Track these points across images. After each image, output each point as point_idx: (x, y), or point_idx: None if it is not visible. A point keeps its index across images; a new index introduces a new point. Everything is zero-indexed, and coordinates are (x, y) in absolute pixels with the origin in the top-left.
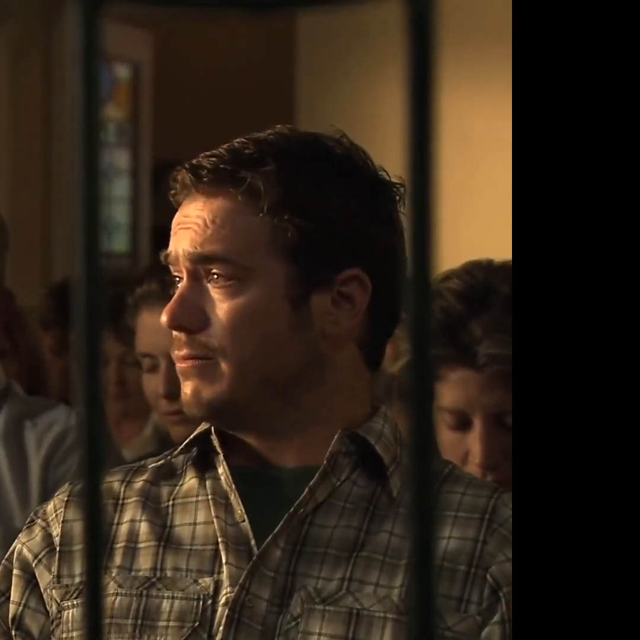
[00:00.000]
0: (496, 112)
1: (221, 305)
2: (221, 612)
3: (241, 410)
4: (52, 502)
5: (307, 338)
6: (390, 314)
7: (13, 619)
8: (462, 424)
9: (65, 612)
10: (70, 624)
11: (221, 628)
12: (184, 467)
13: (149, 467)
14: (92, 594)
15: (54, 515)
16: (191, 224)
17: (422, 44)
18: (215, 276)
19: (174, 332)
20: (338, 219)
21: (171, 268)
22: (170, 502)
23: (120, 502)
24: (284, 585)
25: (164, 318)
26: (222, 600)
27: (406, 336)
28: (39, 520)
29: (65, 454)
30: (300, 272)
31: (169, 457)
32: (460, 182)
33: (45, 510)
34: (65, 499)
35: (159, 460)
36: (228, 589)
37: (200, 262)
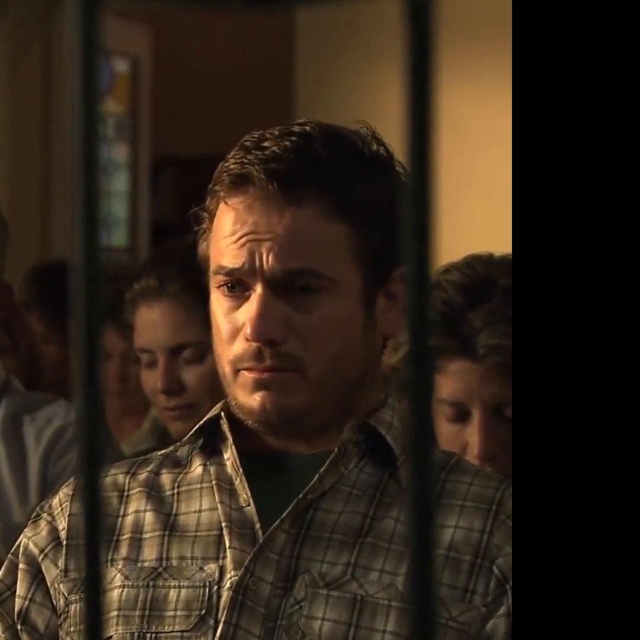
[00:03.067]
0: (496, 105)
1: (306, 317)
2: (226, 595)
3: (310, 417)
4: (57, 496)
5: (373, 341)
6: None
7: (18, 613)
8: (461, 415)
9: (73, 606)
10: (77, 618)
11: (225, 610)
12: (190, 457)
13: (154, 457)
14: (92, 588)
15: (59, 509)
16: (270, 235)
17: (421, 38)
18: (300, 288)
19: (251, 343)
20: (388, 218)
21: (223, 278)
22: (175, 490)
23: (125, 493)
24: (288, 568)
25: (251, 332)
26: (227, 584)
27: (405, 328)
28: (45, 515)
29: (64, 449)
30: (369, 277)
31: (174, 447)
32: (460, 176)
33: (50, 504)
34: (71, 492)
35: (165, 452)
36: (232, 573)
37: (289, 276)
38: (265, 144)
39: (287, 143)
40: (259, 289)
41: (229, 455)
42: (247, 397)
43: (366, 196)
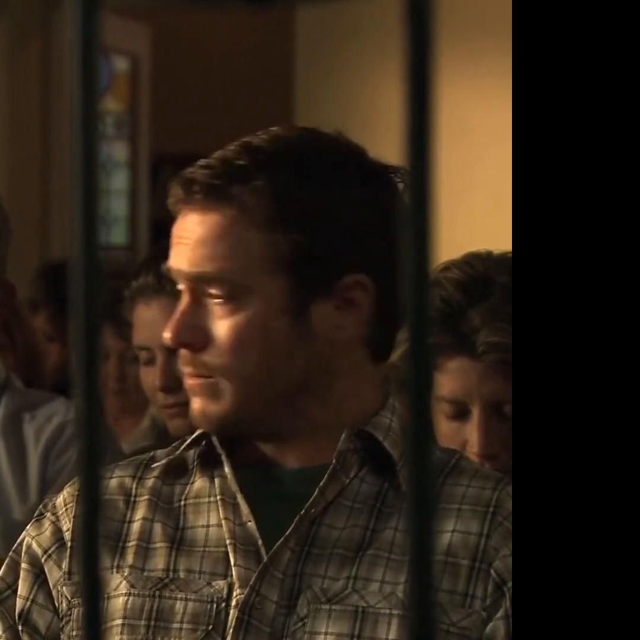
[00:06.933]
0: (495, 103)
1: (220, 324)
2: (233, 614)
3: (248, 424)
4: (61, 496)
5: (310, 348)
6: (397, 307)
7: (20, 614)
8: (461, 413)
9: (75, 609)
10: (80, 622)
11: (231, 630)
12: (194, 463)
13: (160, 462)
14: (91, 588)
15: (63, 509)
16: (187, 240)
17: (420, 36)
18: (213, 294)
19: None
20: (335, 225)
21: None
22: (182, 503)
23: (132, 499)
24: (291, 586)
25: (167, 335)
26: (233, 602)
27: (404, 325)
28: (49, 514)
29: (64, 446)
30: (297, 285)
31: (178, 451)
32: (459, 174)
33: (54, 504)
34: (76, 492)
35: (169, 455)
36: (238, 591)
37: (198, 282)
38: (218, 152)
39: (227, 153)
40: (183, 292)
41: (228, 470)
42: (191, 403)
43: (310, 204)
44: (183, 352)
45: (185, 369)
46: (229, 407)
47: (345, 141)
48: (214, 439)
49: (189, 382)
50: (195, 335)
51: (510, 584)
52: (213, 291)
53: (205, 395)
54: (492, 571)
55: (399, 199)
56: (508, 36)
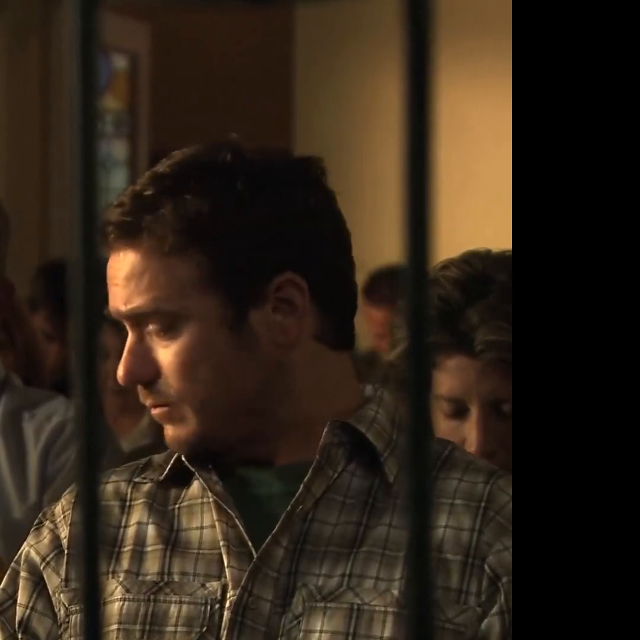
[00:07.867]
0: (495, 102)
1: (164, 353)
2: (226, 615)
3: (219, 438)
4: (59, 504)
5: (256, 354)
6: (340, 294)
7: (20, 622)
8: (459, 411)
9: (73, 616)
10: (77, 628)
11: (225, 631)
12: (188, 467)
13: (155, 465)
14: (90, 588)
15: (62, 516)
16: (117, 279)
17: (420, 34)
18: (151, 327)
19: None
20: (250, 233)
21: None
22: (177, 505)
23: (128, 503)
24: (286, 585)
25: (120, 374)
26: (227, 603)
27: (403, 324)
28: (47, 522)
29: (64, 445)
30: (228, 298)
31: (173, 455)
32: (458, 173)
33: (53, 512)
34: (73, 500)
35: (166, 460)
36: (231, 592)
37: (135, 318)
38: (129, 188)
39: (136, 186)
40: (129, 331)
41: (202, 481)
42: (165, 429)
43: (209, 224)
44: (139, 388)
45: (146, 402)
46: (196, 429)
47: (247, 147)
48: (183, 457)
49: (154, 412)
50: (145, 371)
51: (504, 579)
52: (151, 323)
53: (171, 421)
54: (486, 567)
55: (318, 190)
56: (508, 35)
